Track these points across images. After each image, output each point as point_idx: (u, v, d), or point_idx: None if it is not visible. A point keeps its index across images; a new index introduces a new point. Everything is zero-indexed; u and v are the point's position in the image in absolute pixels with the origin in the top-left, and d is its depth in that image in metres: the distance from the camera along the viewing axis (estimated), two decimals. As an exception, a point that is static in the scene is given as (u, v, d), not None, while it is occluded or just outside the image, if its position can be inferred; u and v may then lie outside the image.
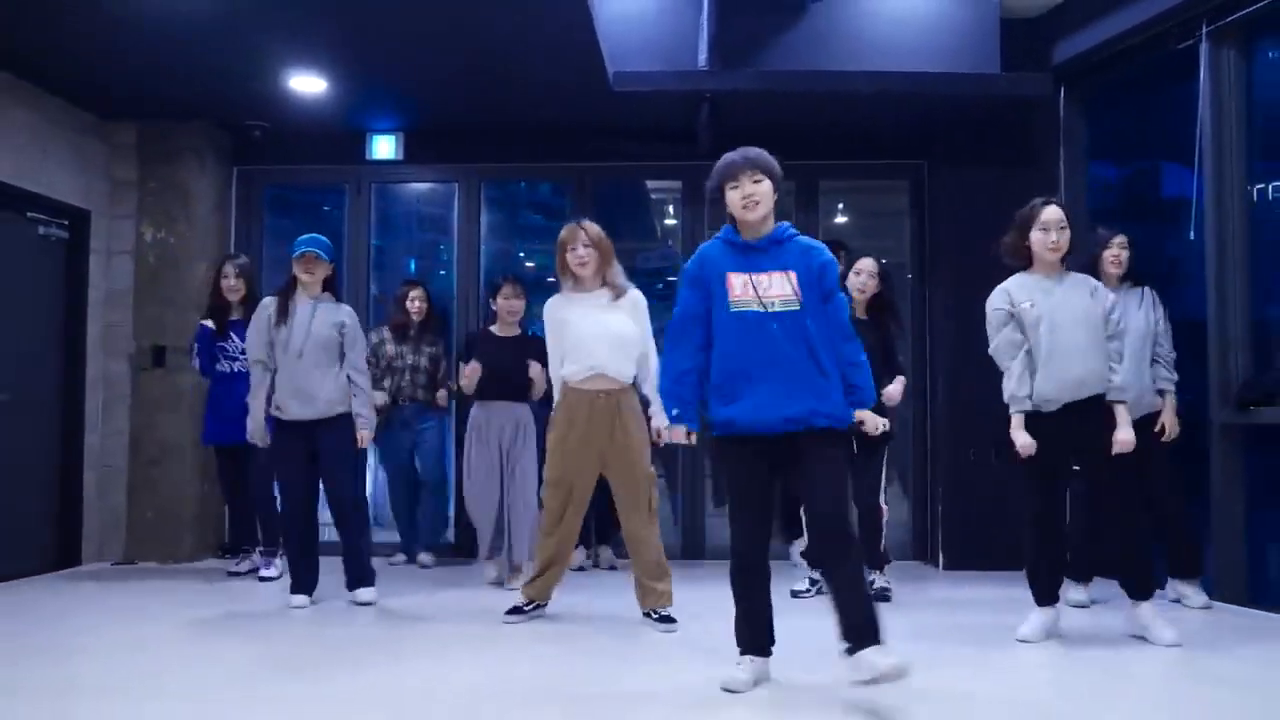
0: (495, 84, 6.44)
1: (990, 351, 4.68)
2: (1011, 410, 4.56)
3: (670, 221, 8.16)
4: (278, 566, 6.27)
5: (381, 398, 6.56)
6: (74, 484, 6.77)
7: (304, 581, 5.41)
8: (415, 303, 6.88)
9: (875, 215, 8.30)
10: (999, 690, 3.85)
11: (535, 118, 7.07)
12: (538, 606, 4.99)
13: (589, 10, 5.40)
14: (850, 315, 3.82)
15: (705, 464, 7.50)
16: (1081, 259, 4.98)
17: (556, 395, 4.98)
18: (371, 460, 7.23)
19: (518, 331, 6.12)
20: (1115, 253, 5.39)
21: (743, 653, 3.78)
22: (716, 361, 3.73)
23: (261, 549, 6.38)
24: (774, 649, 3.82)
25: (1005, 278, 4.76)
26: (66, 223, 6.78)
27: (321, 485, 5.45)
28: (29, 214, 6.45)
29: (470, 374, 5.85)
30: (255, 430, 5.43)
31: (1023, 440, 4.51)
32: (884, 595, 5.40)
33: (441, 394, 6.87)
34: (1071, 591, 5.38)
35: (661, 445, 4.78)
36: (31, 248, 6.50)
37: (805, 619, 4.23)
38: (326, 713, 3.51)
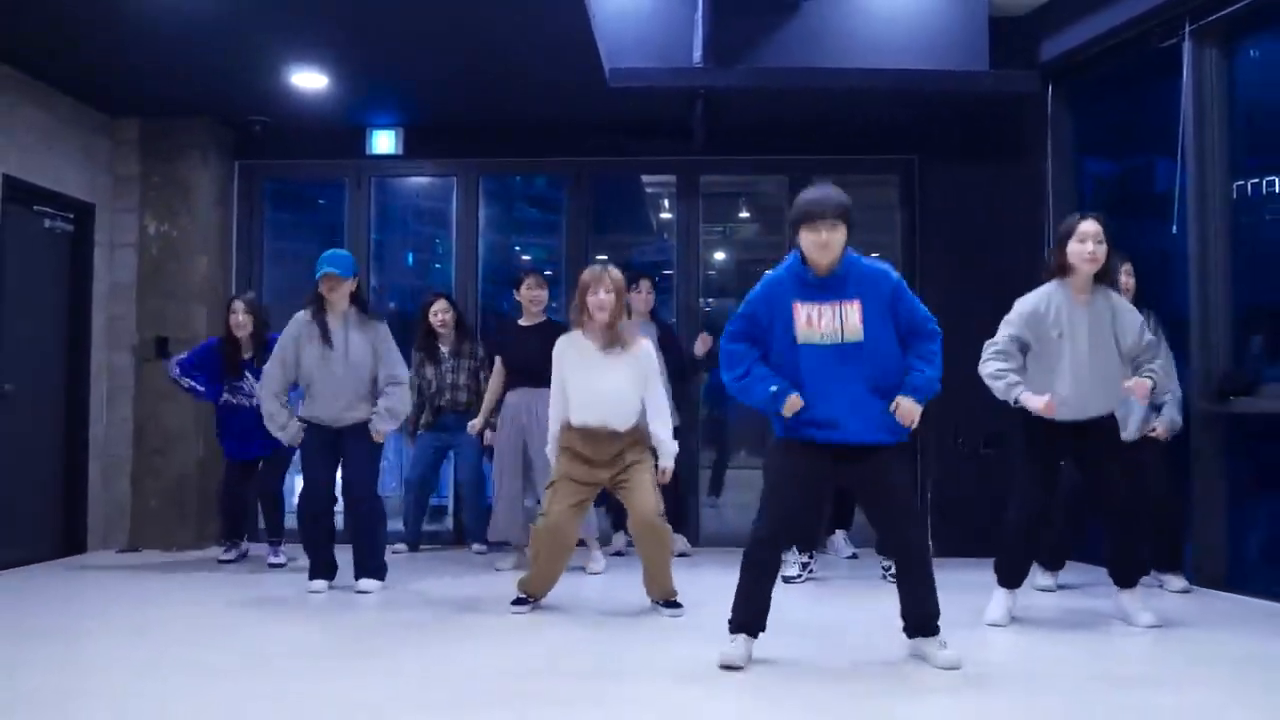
0: (494, 80, 6.55)
1: (983, 363, 4.70)
2: (1015, 395, 4.57)
3: (665, 215, 8.28)
4: (284, 554, 6.39)
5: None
6: (79, 473, 6.89)
7: (323, 568, 5.54)
8: (439, 315, 6.90)
9: (866, 209, 8.41)
10: (990, 666, 4.00)
11: (533, 113, 7.18)
12: (535, 601, 5.02)
13: (586, 9, 5.51)
14: None
15: (701, 457, 7.67)
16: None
17: (553, 425, 5.04)
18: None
19: (542, 319, 6.32)
20: (1123, 280, 5.36)
21: (735, 631, 3.93)
22: (785, 381, 3.90)
23: (269, 539, 6.50)
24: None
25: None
26: (72, 216, 6.88)
27: (340, 480, 5.56)
28: (35, 207, 6.55)
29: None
30: (293, 436, 5.51)
31: (1038, 402, 4.50)
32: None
33: (488, 434, 6.70)
34: (1040, 578, 5.55)
35: (665, 483, 4.94)
36: (38, 240, 6.60)
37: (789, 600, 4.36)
38: (329, 690, 3.63)
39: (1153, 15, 5.99)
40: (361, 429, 5.49)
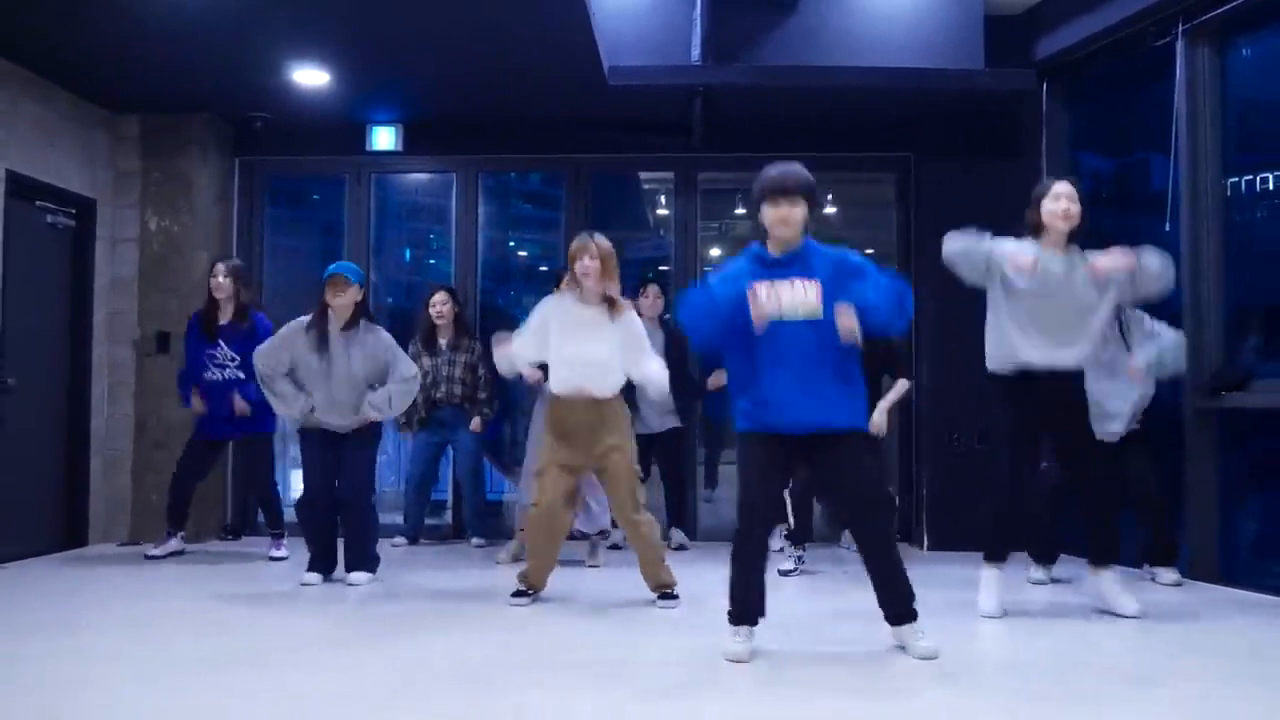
0: (494, 78, 6.59)
1: (953, 249, 4.73)
2: (988, 247, 4.63)
3: (662, 212, 8.33)
4: (285, 548, 6.44)
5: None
6: (80, 467, 6.93)
7: (320, 561, 5.60)
8: (437, 308, 6.96)
9: (863, 207, 8.47)
10: (975, 656, 4.06)
11: (533, 110, 7.22)
12: (534, 594, 5.05)
13: (586, 6, 5.55)
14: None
15: (700, 452, 7.72)
16: None
17: (503, 364, 5.05)
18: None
19: None
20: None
21: (736, 624, 3.99)
22: (743, 365, 3.96)
23: (271, 531, 6.56)
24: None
25: None
26: (73, 211, 6.92)
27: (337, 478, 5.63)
28: (38, 203, 6.59)
29: (531, 378, 5.65)
30: (303, 409, 5.50)
31: (1025, 258, 4.54)
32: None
33: (476, 421, 6.94)
34: (1033, 571, 5.63)
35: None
36: (40, 235, 6.63)
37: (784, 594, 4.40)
38: (325, 683, 3.68)
39: (1147, 14, 6.06)
40: (361, 434, 5.56)
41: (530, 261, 8.88)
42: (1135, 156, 6.82)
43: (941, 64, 6.68)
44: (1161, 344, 5.40)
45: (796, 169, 3.98)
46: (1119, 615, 4.68)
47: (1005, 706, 3.36)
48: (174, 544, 6.42)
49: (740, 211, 8.87)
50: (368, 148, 7.61)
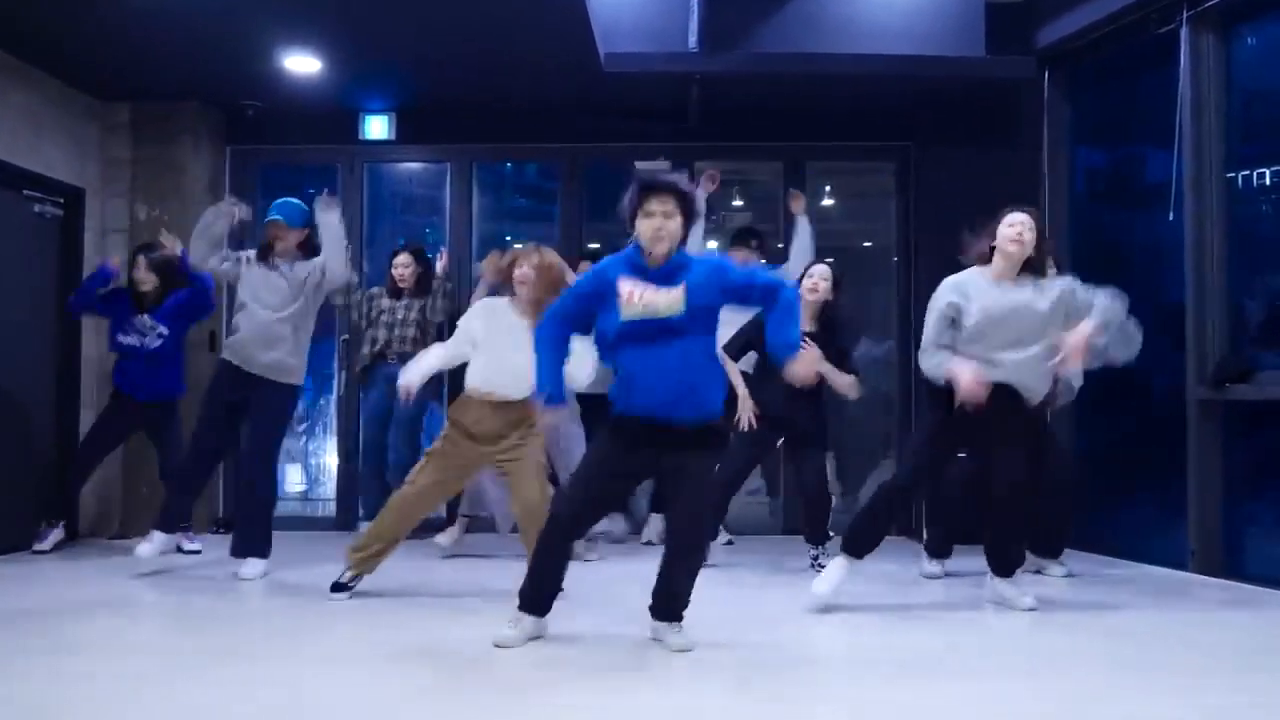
0: (488, 65, 6.51)
1: (922, 349, 4.72)
2: (946, 369, 4.58)
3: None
4: (197, 540, 6.33)
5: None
6: (70, 460, 6.82)
7: (171, 521, 5.46)
8: (398, 270, 6.87)
9: (861, 197, 8.41)
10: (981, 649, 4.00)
11: (528, 99, 7.14)
12: (357, 578, 4.85)
13: (582, -8, 5.49)
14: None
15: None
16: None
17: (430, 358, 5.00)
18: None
19: None
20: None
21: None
22: (614, 361, 3.92)
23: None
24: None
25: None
26: (61, 201, 6.83)
27: (243, 439, 5.46)
28: (25, 192, 6.50)
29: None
30: (228, 210, 5.45)
31: (966, 375, 4.48)
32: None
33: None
34: (927, 564, 5.60)
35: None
36: (27, 225, 6.55)
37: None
38: (235, 675, 3.61)
39: (1150, 1, 5.98)
40: (270, 390, 5.34)
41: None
42: (1137, 146, 6.75)
43: (941, 52, 6.61)
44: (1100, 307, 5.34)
45: (675, 178, 3.92)
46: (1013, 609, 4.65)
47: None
48: (58, 535, 6.32)
49: (737, 203, 8.81)
50: (361, 137, 7.53)
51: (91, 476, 6.53)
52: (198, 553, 6.20)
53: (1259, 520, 5.69)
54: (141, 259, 6.26)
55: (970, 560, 5.23)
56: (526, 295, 4.81)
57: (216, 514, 7.36)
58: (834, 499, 6.00)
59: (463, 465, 4.88)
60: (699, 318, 3.81)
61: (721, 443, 4.08)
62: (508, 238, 8.66)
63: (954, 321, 4.61)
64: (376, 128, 7.51)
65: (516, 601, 3.98)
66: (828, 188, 8.09)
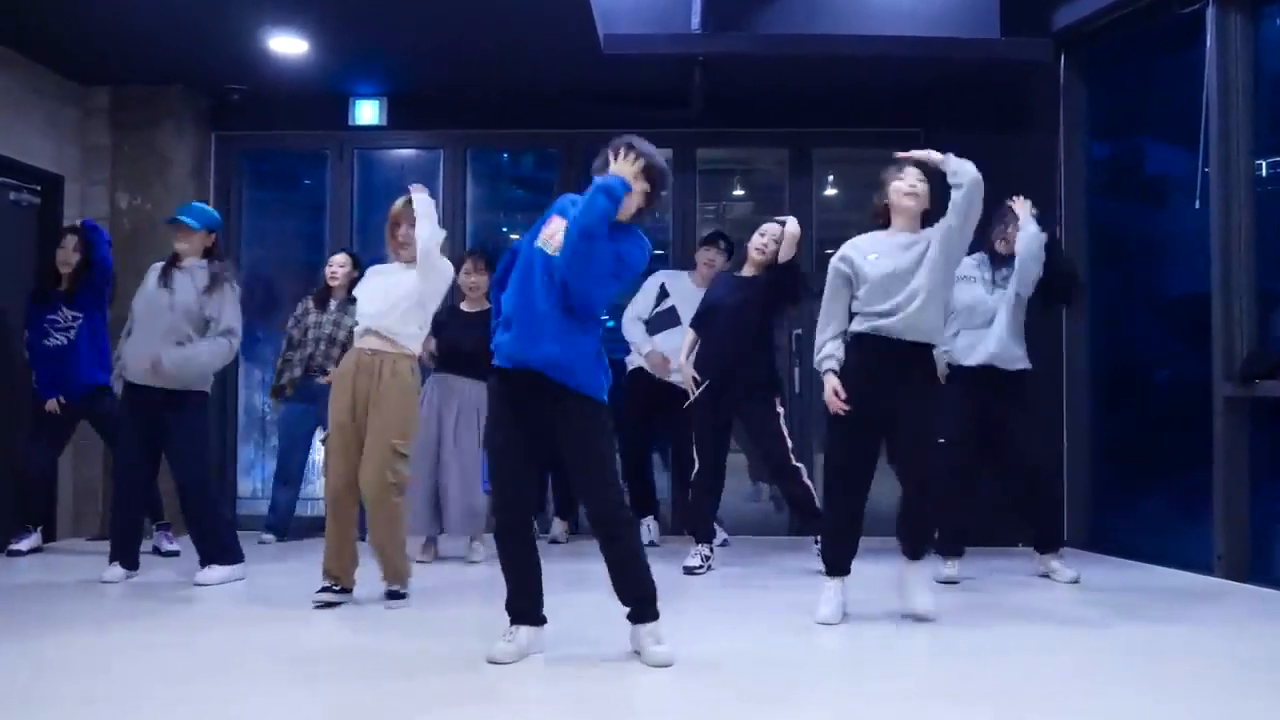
0: (483, 47, 6.27)
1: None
2: (824, 369, 4.45)
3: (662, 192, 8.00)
4: (32, 540, 6.11)
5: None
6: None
7: (126, 553, 5.23)
8: (332, 269, 6.52)
9: (868, 188, 8.15)
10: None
11: (524, 82, 6.90)
12: (343, 589, 4.66)
13: (580, -31, 5.26)
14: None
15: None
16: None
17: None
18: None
19: (485, 306, 5.72)
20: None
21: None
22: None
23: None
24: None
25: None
26: (39, 189, 6.60)
27: (166, 464, 5.25)
28: (1, 179, 6.27)
29: (426, 346, 5.34)
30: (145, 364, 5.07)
31: (833, 392, 4.37)
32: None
33: (324, 378, 6.20)
34: (943, 568, 5.33)
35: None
36: (3, 214, 6.33)
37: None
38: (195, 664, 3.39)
39: (1175, -19, 5.75)
40: (180, 401, 5.11)
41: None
42: (1157, 133, 6.53)
43: (954, 33, 6.38)
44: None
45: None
46: (917, 614, 4.39)
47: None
48: (35, 536, 6.12)
49: (739, 193, 8.59)
50: (350, 122, 7.27)
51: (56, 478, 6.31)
52: (176, 554, 5.96)
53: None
54: (70, 239, 6.00)
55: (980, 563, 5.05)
56: (408, 255, 4.82)
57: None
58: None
59: (349, 429, 4.65)
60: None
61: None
62: (504, 229, 8.45)
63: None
64: (367, 113, 7.25)
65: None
66: (831, 177, 7.85)
